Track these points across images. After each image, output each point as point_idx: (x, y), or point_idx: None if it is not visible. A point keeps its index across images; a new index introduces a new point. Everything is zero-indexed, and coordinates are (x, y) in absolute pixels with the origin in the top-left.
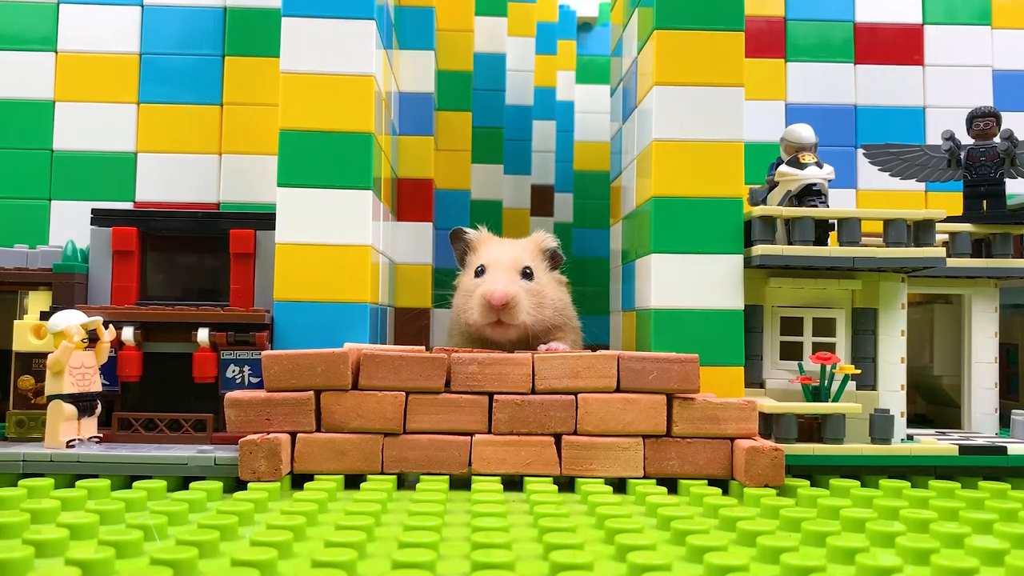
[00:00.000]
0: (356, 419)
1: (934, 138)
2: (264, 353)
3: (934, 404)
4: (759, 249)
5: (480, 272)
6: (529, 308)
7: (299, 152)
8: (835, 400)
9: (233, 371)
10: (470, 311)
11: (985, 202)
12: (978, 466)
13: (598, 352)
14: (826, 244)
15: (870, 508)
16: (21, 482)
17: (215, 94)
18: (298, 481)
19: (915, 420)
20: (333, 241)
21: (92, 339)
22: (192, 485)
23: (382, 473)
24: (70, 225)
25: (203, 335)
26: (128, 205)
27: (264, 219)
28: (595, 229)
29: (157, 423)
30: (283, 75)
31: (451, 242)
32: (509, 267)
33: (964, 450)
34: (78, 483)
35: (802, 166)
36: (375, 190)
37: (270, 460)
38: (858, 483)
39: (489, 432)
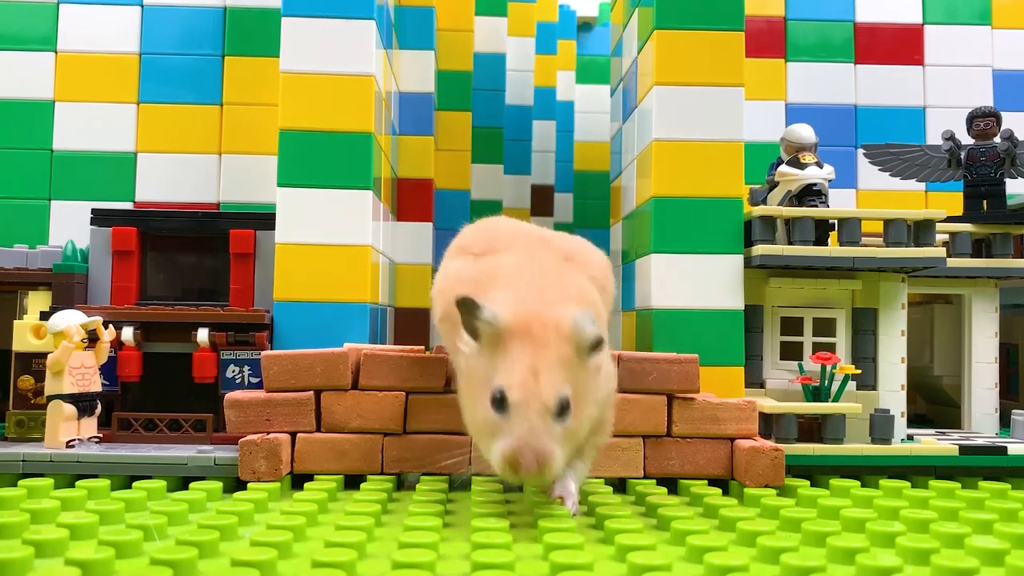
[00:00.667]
0: (356, 419)
1: (934, 138)
2: (264, 353)
3: (934, 404)
4: (759, 249)
5: (499, 401)
6: (564, 457)
7: (299, 152)
8: (835, 400)
9: (233, 371)
10: (483, 445)
11: (985, 202)
12: (978, 466)
13: None
14: (826, 244)
15: (870, 508)
16: (21, 482)
17: (215, 94)
18: (298, 481)
19: (915, 420)
20: (333, 241)
21: (92, 339)
22: (192, 485)
23: (382, 473)
24: (70, 225)
25: (203, 335)
26: (128, 205)
27: (264, 219)
28: (595, 229)
29: (157, 423)
30: (283, 75)
31: (459, 308)
32: (542, 407)
33: (964, 450)
34: (78, 483)
35: (802, 166)
36: (375, 190)
37: (270, 460)
38: (858, 483)
39: None
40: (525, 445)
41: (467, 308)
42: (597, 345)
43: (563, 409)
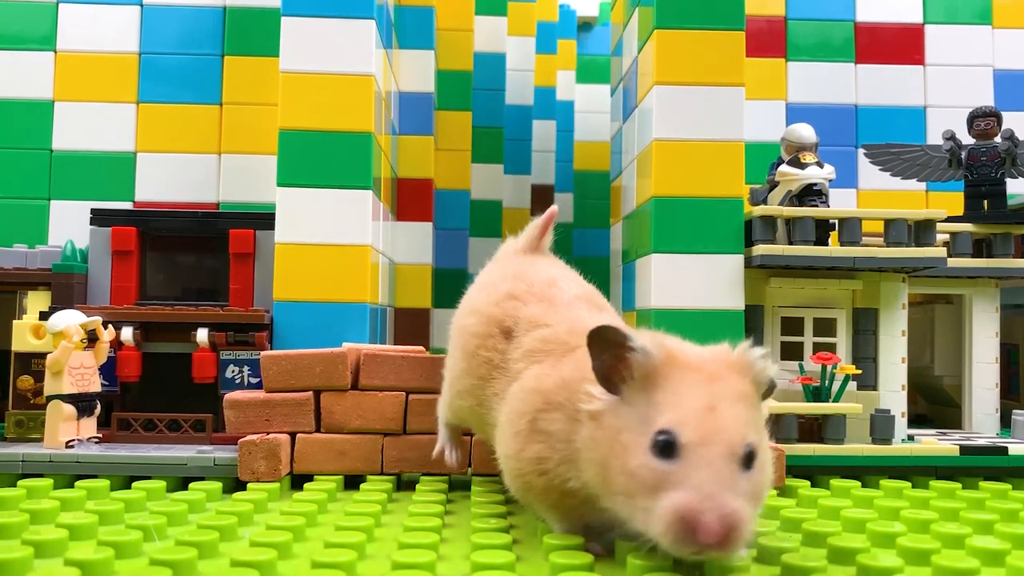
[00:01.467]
0: (356, 419)
1: (935, 138)
2: (263, 354)
3: (935, 404)
4: (760, 249)
5: (665, 446)
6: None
7: (299, 152)
8: (836, 400)
9: (232, 371)
10: (637, 505)
11: (986, 202)
12: (979, 466)
13: None
14: (827, 244)
15: (871, 509)
16: (20, 482)
17: (215, 94)
18: (298, 481)
19: (916, 420)
20: (333, 241)
21: (91, 339)
22: (191, 485)
23: (382, 473)
24: (69, 225)
25: (202, 335)
26: (127, 205)
27: (264, 219)
28: (595, 229)
29: (156, 423)
30: (283, 75)
31: (592, 345)
32: (727, 450)
33: (965, 450)
34: (77, 483)
35: (803, 166)
36: (375, 190)
37: (269, 460)
38: (859, 483)
39: None
40: (708, 500)
41: (607, 342)
42: (769, 388)
43: (750, 458)
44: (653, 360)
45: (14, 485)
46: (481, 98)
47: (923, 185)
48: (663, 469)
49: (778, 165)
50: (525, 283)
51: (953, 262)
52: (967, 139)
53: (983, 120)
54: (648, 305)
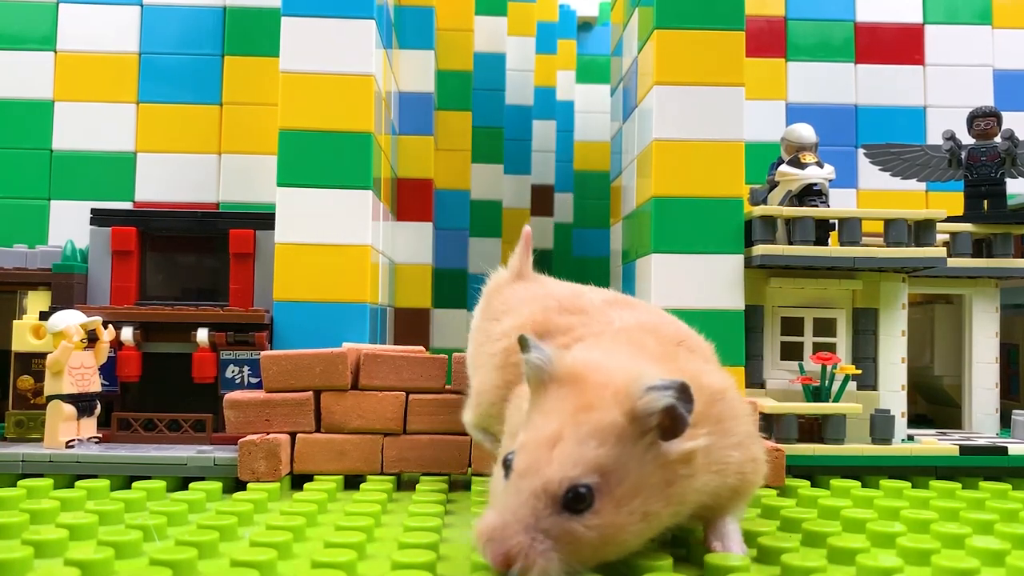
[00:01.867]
0: (356, 419)
1: (935, 138)
2: (263, 354)
3: (935, 404)
4: (760, 249)
5: (507, 466)
6: (563, 562)
7: (299, 152)
8: (836, 400)
9: (232, 371)
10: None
11: (986, 202)
12: (979, 466)
13: None
14: (827, 244)
15: (871, 509)
16: (20, 482)
17: (215, 94)
18: (298, 481)
19: (916, 420)
20: (333, 241)
21: (91, 339)
22: (191, 485)
23: (382, 473)
24: (69, 225)
25: (202, 335)
26: (127, 205)
27: (264, 219)
28: (595, 229)
29: (156, 423)
30: (283, 75)
31: (521, 349)
32: (539, 488)
33: (965, 450)
34: (77, 483)
35: (803, 166)
36: (375, 190)
37: (269, 460)
38: (859, 483)
39: None
40: (494, 530)
41: (525, 347)
42: (673, 422)
43: (576, 500)
44: (540, 375)
45: (14, 485)
46: (481, 98)
47: (923, 185)
48: (498, 486)
49: (778, 165)
50: (555, 300)
51: (953, 262)
52: (967, 139)
53: (983, 120)
54: None
